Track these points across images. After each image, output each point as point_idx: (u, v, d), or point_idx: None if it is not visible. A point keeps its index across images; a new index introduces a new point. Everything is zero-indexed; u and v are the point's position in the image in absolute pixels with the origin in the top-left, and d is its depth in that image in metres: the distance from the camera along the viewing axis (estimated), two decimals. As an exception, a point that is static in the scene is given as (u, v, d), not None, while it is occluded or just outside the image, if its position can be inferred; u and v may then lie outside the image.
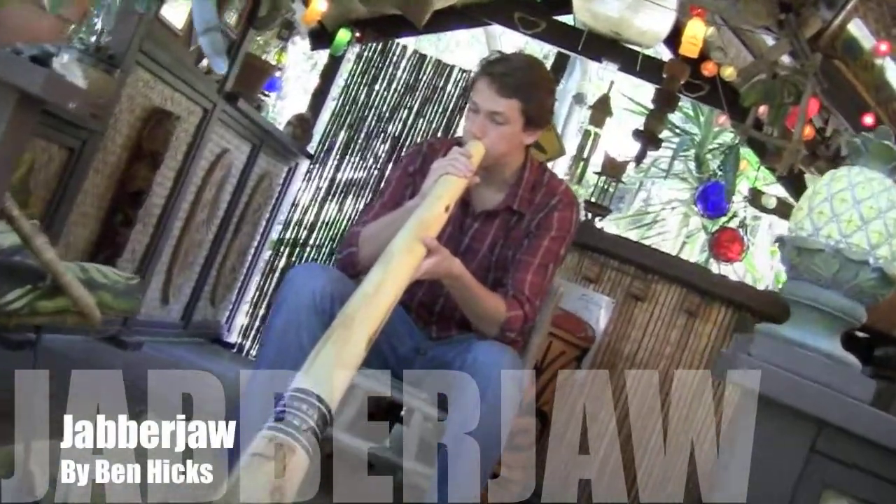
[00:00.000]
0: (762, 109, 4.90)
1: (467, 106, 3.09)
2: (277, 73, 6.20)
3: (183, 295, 5.75)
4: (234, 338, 6.81)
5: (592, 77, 11.04)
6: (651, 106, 6.18)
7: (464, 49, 13.91)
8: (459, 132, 3.14)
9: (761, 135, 4.59)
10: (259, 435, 2.07)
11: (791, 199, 6.13)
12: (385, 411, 4.72)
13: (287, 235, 7.12)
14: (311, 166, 7.06)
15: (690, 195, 10.03)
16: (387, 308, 2.39)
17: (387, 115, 7.17)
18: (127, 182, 4.53)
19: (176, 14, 4.52)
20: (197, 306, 5.97)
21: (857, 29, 4.58)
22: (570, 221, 3.08)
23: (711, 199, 5.89)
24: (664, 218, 11.01)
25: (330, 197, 7.16)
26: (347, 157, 7.14)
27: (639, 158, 6.23)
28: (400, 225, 2.64)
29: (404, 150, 6.85)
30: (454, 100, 7.10)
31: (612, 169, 5.60)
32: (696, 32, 5.18)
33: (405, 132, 7.10)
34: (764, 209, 5.76)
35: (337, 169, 7.14)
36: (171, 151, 4.81)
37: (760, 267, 10.52)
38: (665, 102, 5.96)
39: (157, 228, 5.02)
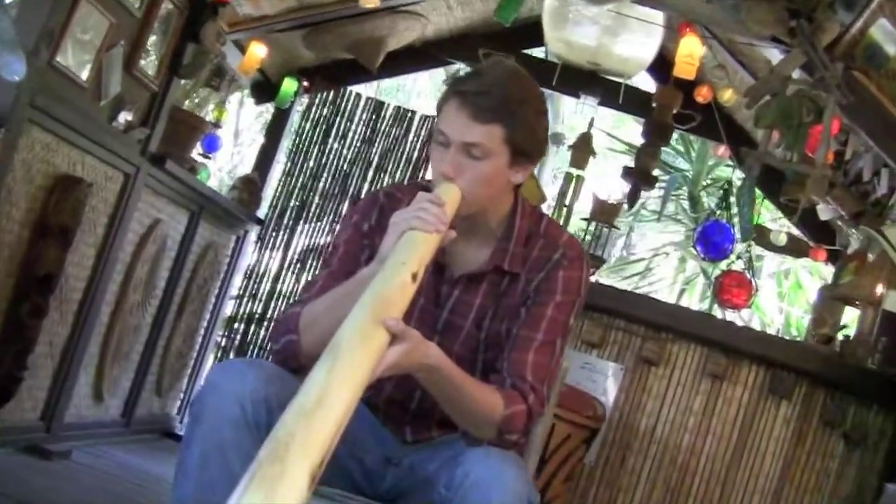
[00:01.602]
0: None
1: (433, 138, 2.35)
2: (215, 130, 5.49)
3: (120, 389, 5.00)
4: (187, 430, 6.00)
5: (566, 118, 10.32)
6: (640, 141, 5.50)
7: (425, 99, 13.23)
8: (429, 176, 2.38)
9: (780, 162, 3.91)
10: None
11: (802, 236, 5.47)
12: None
13: (241, 311, 6.41)
14: (263, 233, 6.36)
15: (685, 237, 9.35)
16: (336, 426, 1.69)
17: (344, 171, 6.49)
18: (33, 265, 3.78)
19: (75, 61, 3.81)
20: (139, 399, 5.21)
21: (881, 33, 3.91)
22: (579, 281, 2.37)
23: (712, 241, 5.26)
24: (657, 265, 10.22)
25: (287, 266, 6.46)
26: (302, 221, 6.45)
27: (631, 200, 5.56)
28: (352, 302, 1.92)
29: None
30: (418, 148, 6.43)
31: (603, 214, 4.93)
32: (693, 50, 4.52)
33: (366, 189, 6.42)
34: (772, 247, 5.10)
35: (291, 234, 6.45)
36: (87, 225, 4.08)
37: (769, 310, 9.78)
38: (657, 135, 5.29)
39: (78, 316, 4.28)
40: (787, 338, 5.46)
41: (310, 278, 5.88)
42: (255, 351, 6.46)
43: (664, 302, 5.40)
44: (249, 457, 1.96)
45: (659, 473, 3.71)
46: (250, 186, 5.92)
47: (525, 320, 2.31)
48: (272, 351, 2.33)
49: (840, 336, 4.34)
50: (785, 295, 9.76)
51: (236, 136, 12.69)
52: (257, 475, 1.57)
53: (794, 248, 5.21)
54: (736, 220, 4.72)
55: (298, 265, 6.49)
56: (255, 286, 6.45)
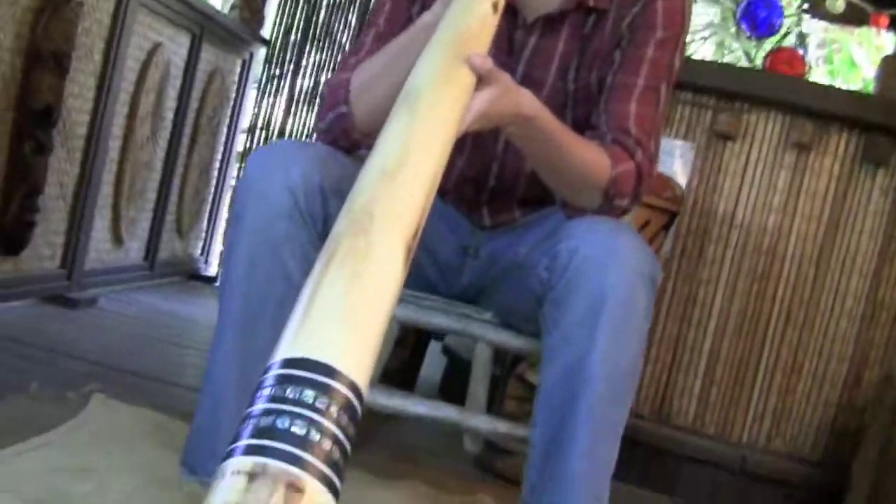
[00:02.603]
0: None
1: None
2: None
3: (140, 231, 4.66)
4: (214, 269, 5.75)
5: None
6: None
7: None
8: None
9: None
10: (228, 467, 1.05)
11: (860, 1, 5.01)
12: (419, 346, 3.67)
13: (253, 145, 6.03)
14: (270, 54, 5.94)
15: (722, 19, 8.74)
16: (427, 187, 1.35)
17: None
18: (29, 97, 3.40)
19: None
20: (161, 241, 4.89)
21: None
22: (682, 11, 1.98)
23: (759, 16, 4.80)
24: (694, 52, 9.55)
25: (299, 94, 6.06)
26: (310, 39, 6.02)
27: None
28: (414, 56, 1.53)
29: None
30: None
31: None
32: None
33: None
34: (828, 16, 4.66)
35: (300, 54, 6.02)
36: (83, 51, 3.69)
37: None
38: None
39: (85, 153, 3.92)
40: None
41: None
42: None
43: (737, 66, 4.89)
44: (306, 254, 1.62)
45: (743, 261, 3.36)
46: (251, 4, 5.47)
47: (621, 65, 1.93)
48: (319, 131, 1.97)
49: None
50: (837, 73, 9.23)
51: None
52: (337, 253, 1.23)
53: (853, 16, 4.76)
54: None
55: (311, 91, 6.08)
56: (267, 115, 6.05)
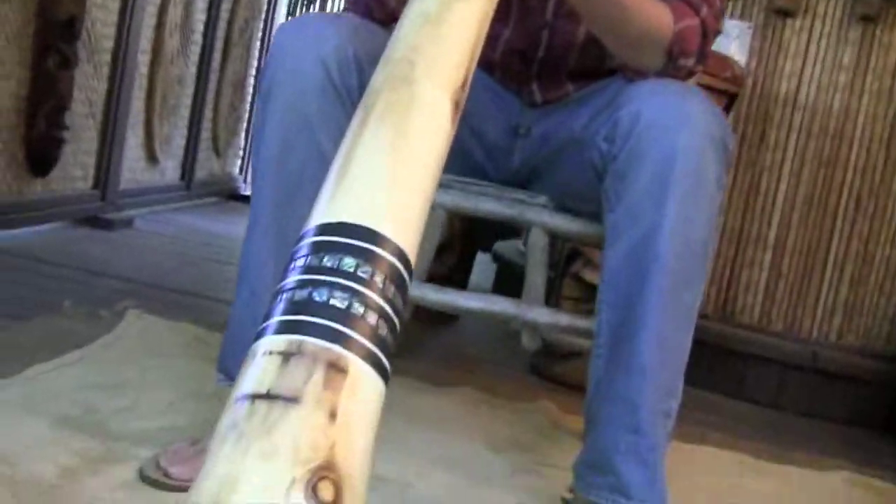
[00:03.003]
0: None
1: None
2: None
3: (175, 149, 4.52)
4: (253, 189, 5.54)
5: None
6: None
7: None
8: None
9: None
10: (258, 348, 0.90)
11: None
12: (468, 237, 3.50)
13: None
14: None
15: None
16: (474, 33, 1.18)
17: None
18: (51, 7, 3.24)
19: None
20: (197, 160, 4.75)
21: None
22: None
23: None
24: None
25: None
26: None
27: None
28: None
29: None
30: None
31: None
32: None
33: None
34: None
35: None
36: (103, -44, 3.53)
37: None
38: None
39: (113, 68, 3.76)
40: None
41: None
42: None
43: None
44: (342, 132, 1.44)
45: (808, 145, 3.17)
46: None
47: None
48: (350, 3, 1.80)
49: None
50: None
51: None
52: (376, 108, 1.08)
53: None
54: None
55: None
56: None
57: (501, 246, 3.95)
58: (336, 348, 0.87)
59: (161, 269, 3.34)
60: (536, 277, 1.85)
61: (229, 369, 1.70)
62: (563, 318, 1.85)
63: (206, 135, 4.83)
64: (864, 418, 3.15)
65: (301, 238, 0.98)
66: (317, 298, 0.90)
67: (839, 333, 3.21)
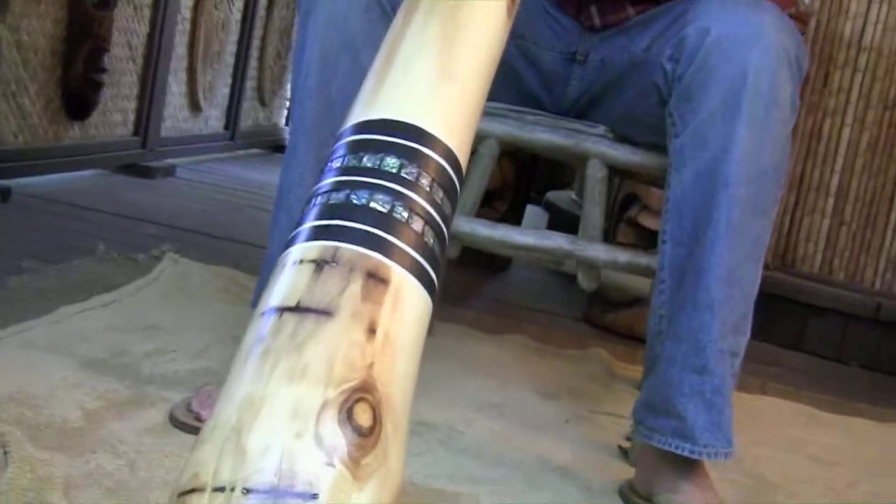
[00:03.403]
0: None
1: None
2: None
3: (218, 97, 4.42)
4: (299, 140, 5.44)
5: None
6: None
7: None
8: None
9: None
10: (288, 256, 0.80)
11: None
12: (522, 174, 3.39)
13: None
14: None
15: None
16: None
17: None
18: (88, -56, 3.15)
19: None
20: (241, 109, 4.65)
21: None
22: None
23: None
24: None
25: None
26: None
27: None
28: None
29: None
30: None
31: None
32: None
33: None
34: None
35: None
36: None
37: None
38: None
39: (154, 10, 3.66)
40: None
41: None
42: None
43: None
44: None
45: (873, 87, 3.03)
46: None
47: None
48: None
49: None
50: None
51: None
52: (421, 6, 0.95)
53: None
54: None
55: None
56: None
57: (553, 195, 3.84)
58: (376, 256, 0.77)
59: (202, 215, 3.25)
60: (594, 212, 1.73)
61: None
62: (622, 255, 1.73)
63: (250, 84, 4.73)
64: (929, 372, 3.02)
65: (338, 138, 0.87)
66: (355, 201, 0.80)
67: (904, 284, 3.09)
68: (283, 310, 0.75)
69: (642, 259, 1.73)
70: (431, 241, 0.81)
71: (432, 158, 0.84)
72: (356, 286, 0.75)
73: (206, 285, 2.30)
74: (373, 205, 0.79)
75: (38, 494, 1.21)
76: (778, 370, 2.73)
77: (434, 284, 0.81)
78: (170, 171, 3.89)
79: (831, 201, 3.10)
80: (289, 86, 5.27)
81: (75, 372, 1.63)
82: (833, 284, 3.11)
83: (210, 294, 2.24)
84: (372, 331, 0.74)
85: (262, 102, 4.93)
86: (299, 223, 0.81)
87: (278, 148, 5.20)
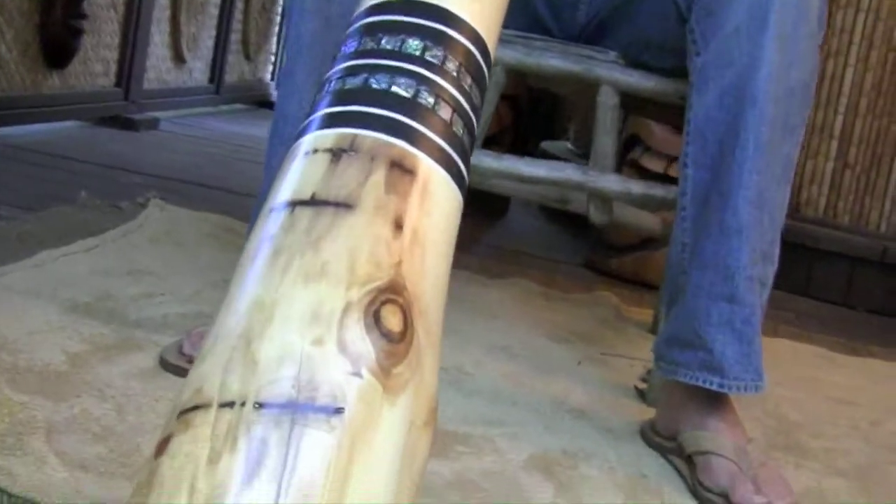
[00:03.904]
0: None
1: None
2: None
3: (203, 49, 4.31)
4: (286, 96, 5.32)
5: None
6: None
7: None
8: None
9: None
10: (300, 147, 0.69)
11: None
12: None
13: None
14: None
15: None
16: None
17: None
18: None
19: None
20: (226, 62, 4.53)
21: None
22: None
23: None
24: None
25: None
26: None
27: None
28: None
29: None
30: None
31: None
32: None
33: None
34: None
35: None
36: None
37: None
38: None
39: (136, -43, 3.54)
40: None
41: None
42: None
43: None
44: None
45: (876, 27, 2.96)
46: None
47: None
48: None
49: None
50: None
51: None
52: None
53: None
54: None
55: None
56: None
57: (549, 145, 3.74)
58: (401, 144, 0.67)
59: (189, 167, 3.15)
60: (606, 141, 1.63)
61: None
62: (637, 186, 1.64)
63: (235, 37, 4.62)
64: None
65: (352, 23, 0.77)
66: (374, 86, 0.70)
67: (910, 226, 3.01)
68: (295, 203, 0.65)
69: (658, 190, 1.64)
70: (460, 130, 0.72)
71: (459, 42, 0.74)
72: (379, 176, 0.65)
73: (194, 231, 2.20)
74: (394, 89, 0.70)
75: (18, 440, 1.12)
76: (788, 315, 2.65)
77: (465, 180, 0.72)
78: (153, 124, 3.79)
79: (835, 144, 3.02)
80: (274, 40, 5.15)
81: (59, 316, 1.53)
82: (838, 228, 3.03)
83: (199, 239, 2.15)
84: (398, 226, 0.64)
85: (248, 56, 4.82)
86: (311, 112, 0.72)
87: (264, 104, 5.09)
